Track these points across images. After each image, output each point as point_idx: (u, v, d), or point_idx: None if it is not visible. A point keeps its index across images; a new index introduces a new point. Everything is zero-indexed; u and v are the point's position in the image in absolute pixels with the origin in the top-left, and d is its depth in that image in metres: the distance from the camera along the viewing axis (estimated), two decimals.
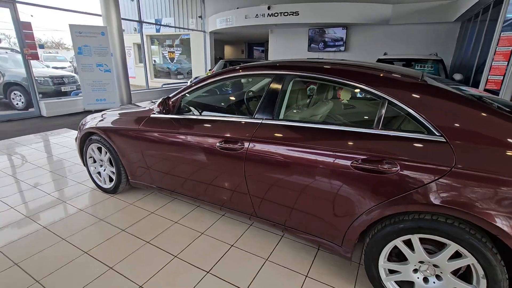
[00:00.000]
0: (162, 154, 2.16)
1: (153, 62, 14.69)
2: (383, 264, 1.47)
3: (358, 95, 2.18)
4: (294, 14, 7.77)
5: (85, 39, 6.30)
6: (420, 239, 1.35)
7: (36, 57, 6.13)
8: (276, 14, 7.97)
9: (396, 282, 1.50)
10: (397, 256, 1.48)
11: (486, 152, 1.19)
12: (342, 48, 8.55)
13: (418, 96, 1.38)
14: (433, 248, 1.36)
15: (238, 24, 8.89)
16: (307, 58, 2.14)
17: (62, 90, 7.57)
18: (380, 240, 1.42)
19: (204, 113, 2.19)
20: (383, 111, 1.43)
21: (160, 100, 2.10)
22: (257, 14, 8.33)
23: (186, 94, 2.15)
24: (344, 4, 7.46)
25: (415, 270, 1.42)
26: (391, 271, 1.49)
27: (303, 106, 2.07)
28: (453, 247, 1.27)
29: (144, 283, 1.65)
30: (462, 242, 1.23)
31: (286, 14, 7.84)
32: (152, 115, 2.23)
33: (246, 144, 1.72)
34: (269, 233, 2.14)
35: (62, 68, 13.65)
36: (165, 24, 11.97)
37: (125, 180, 2.55)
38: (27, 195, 2.65)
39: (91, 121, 2.63)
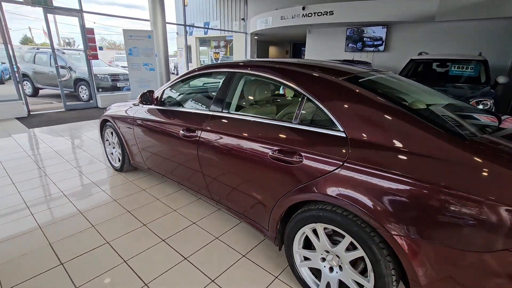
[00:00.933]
0: (149, 140, 2.52)
1: (202, 62, 15.83)
2: (297, 250, 1.57)
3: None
4: (329, 13, 7.63)
5: (135, 41, 7.23)
6: (332, 230, 1.41)
7: (96, 57, 7.31)
8: (310, 15, 7.94)
9: (311, 270, 1.58)
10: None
11: (378, 149, 1.22)
12: (381, 48, 8.06)
13: (330, 94, 1.45)
14: (340, 239, 1.41)
15: (275, 25, 9.09)
16: (295, 60, 2.26)
17: (118, 85, 8.81)
18: (293, 226, 1.53)
19: (185, 104, 2.49)
20: (302, 106, 1.52)
21: (141, 93, 2.47)
22: (293, 15, 8.41)
23: (167, 89, 2.48)
24: (381, 2, 7.05)
25: (323, 259, 1.48)
26: (306, 258, 1.58)
27: (263, 103, 2.22)
28: (347, 238, 1.32)
29: (111, 240, 2.02)
30: (352, 234, 1.28)
31: (320, 14, 7.76)
32: (143, 106, 2.62)
33: (199, 133, 1.97)
34: (231, 218, 2.34)
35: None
36: (211, 27, 12.82)
37: (128, 161, 3.02)
38: (58, 167, 3.32)
39: (112, 109, 3.13)
